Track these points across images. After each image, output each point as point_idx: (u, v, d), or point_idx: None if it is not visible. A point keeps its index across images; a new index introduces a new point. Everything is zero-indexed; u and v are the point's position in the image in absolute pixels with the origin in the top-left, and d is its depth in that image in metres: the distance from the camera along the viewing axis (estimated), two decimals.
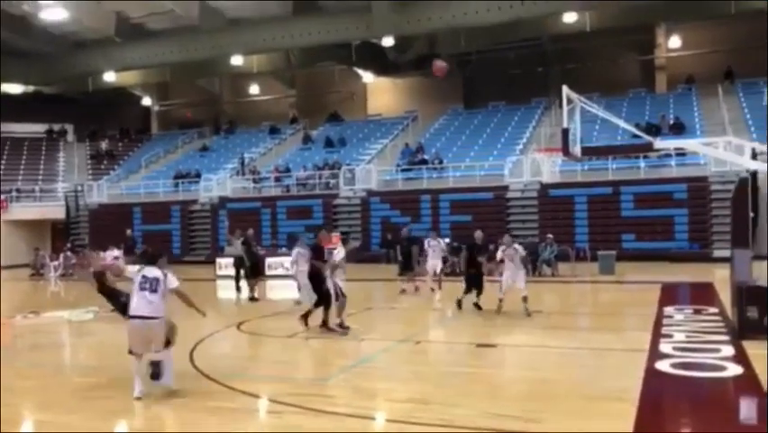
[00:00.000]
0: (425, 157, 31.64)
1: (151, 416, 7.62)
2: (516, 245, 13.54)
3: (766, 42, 29.19)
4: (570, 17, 30.92)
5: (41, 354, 11.37)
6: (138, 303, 7.80)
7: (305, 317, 12.27)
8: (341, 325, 11.77)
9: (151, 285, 7.82)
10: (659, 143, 16.11)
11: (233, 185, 34.38)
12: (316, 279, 12.07)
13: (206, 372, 9.15)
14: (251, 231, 19.72)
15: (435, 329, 12.55)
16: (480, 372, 9.22)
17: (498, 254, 13.39)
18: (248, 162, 36.42)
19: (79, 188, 37.47)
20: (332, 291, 11.66)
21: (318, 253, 12.17)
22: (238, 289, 18.75)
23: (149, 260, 8.22)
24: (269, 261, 24.97)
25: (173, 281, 7.93)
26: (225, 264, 24.43)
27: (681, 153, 25.89)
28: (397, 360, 10.25)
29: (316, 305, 12.21)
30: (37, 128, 42.08)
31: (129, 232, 28.42)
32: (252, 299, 17.76)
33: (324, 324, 11.97)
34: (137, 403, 7.87)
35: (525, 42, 36.75)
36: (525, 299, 12.97)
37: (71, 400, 8.14)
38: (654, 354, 9.33)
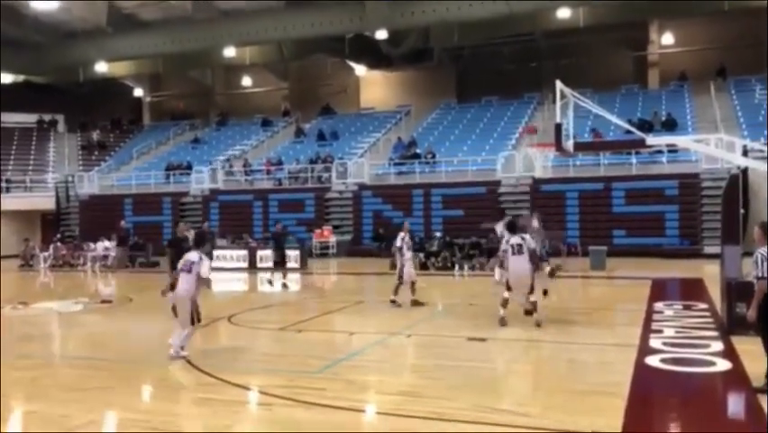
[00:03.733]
0: (418, 151, 31.61)
1: (142, 408, 7.62)
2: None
3: (759, 40, 29.32)
4: (563, 13, 30.94)
5: (31, 346, 11.32)
6: (180, 280, 9.42)
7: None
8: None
9: (188, 267, 9.36)
10: (651, 140, 16.16)
11: (225, 177, 34.27)
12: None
13: (197, 364, 9.14)
14: (206, 225, 20.48)
15: (426, 323, 12.57)
16: (471, 365, 9.24)
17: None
18: (239, 155, 36.35)
19: (70, 178, 37.27)
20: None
21: None
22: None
23: (195, 244, 9.99)
24: (260, 253, 25.02)
25: (204, 270, 9.34)
26: (217, 256, 24.44)
27: (672, 150, 25.96)
28: (388, 353, 10.26)
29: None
30: (27, 118, 41.75)
31: (123, 223, 28.27)
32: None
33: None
34: (128, 395, 7.88)
35: (519, 37, 36.76)
36: None
37: (61, 391, 8.11)
38: (644, 350, 9.38)
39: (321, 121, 39.77)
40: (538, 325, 11.23)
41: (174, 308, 9.46)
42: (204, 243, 10.04)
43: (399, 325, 12.08)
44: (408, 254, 14.46)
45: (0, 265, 26.28)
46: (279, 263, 19.71)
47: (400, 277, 14.18)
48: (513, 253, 11.36)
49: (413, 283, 14.27)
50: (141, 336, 12.27)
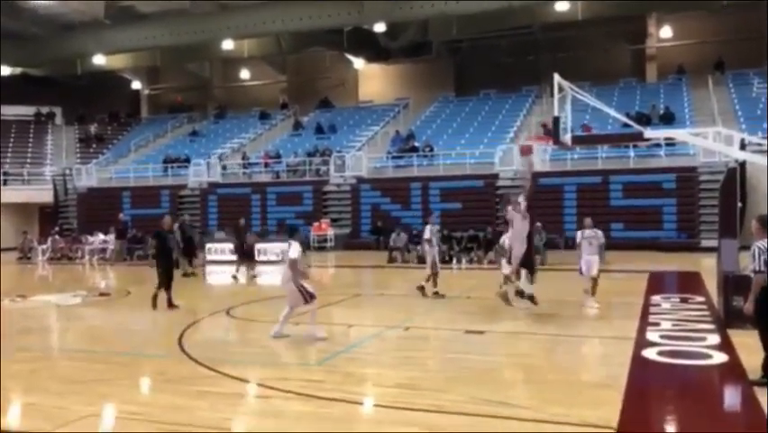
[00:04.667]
0: (416, 144, 31.59)
1: (140, 400, 7.63)
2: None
3: (757, 34, 29.29)
4: (561, 6, 30.90)
5: (29, 338, 11.33)
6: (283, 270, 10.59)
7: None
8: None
9: (283, 256, 10.57)
10: (649, 133, 16.17)
11: (223, 170, 34.25)
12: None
13: (195, 356, 9.16)
14: (186, 217, 22.67)
15: (424, 316, 12.59)
16: (469, 358, 9.26)
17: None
18: (237, 149, 36.35)
19: (68, 171, 37.22)
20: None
21: None
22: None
23: (289, 235, 10.95)
24: (258, 247, 25.01)
25: (292, 253, 10.18)
26: (214, 249, 24.45)
27: (670, 143, 25.99)
28: (386, 346, 10.28)
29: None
30: (25, 110, 41.64)
31: (121, 216, 28.27)
32: (185, 274, 19.27)
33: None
34: (126, 387, 7.90)
35: (517, 30, 36.69)
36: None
37: (59, 384, 8.13)
38: (641, 342, 9.41)
39: (319, 114, 39.73)
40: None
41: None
42: (295, 233, 10.88)
43: (397, 318, 12.10)
44: (437, 247, 14.70)
45: (0, 259, 26.27)
46: (241, 257, 19.92)
47: (433, 266, 14.33)
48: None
49: (435, 275, 14.40)
50: (139, 328, 12.28)
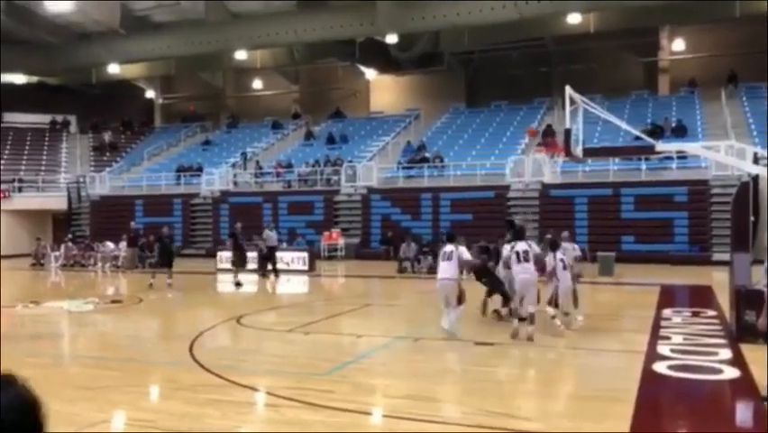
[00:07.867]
0: (427, 155, 31.64)
1: (151, 407, 7.68)
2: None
3: None
4: (574, 18, 30.89)
5: (41, 344, 11.42)
6: (441, 269, 11.04)
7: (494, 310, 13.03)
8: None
9: (447, 256, 10.88)
10: (661, 146, 16.13)
11: (235, 179, 34.42)
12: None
13: (206, 364, 9.20)
14: (238, 225, 22.32)
15: (434, 327, 12.57)
16: (478, 369, 9.26)
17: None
18: (250, 157, 36.50)
19: (81, 179, 37.50)
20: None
21: None
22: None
23: (447, 239, 11.49)
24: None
25: (464, 254, 10.99)
26: (226, 258, 24.53)
27: (682, 156, 25.88)
28: (395, 356, 10.29)
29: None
30: (40, 118, 42.03)
31: (132, 224, 28.42)
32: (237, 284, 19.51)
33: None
34: (137, 394, 7.95)
35: (529, 42, 36.74)
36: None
37: (71, 390, 8.18)
38: (652, 356, 9.38)
39: (331, 124, 39.87)
40: (530, 339, 10.52)
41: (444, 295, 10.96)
42: (456, 237, 11.44)
43: (407, 328, 12.10)
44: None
45: (0, 265, 26.47)
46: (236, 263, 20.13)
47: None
48: (518, 261, 10.90)
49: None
50: (150, 336, 12.36)
